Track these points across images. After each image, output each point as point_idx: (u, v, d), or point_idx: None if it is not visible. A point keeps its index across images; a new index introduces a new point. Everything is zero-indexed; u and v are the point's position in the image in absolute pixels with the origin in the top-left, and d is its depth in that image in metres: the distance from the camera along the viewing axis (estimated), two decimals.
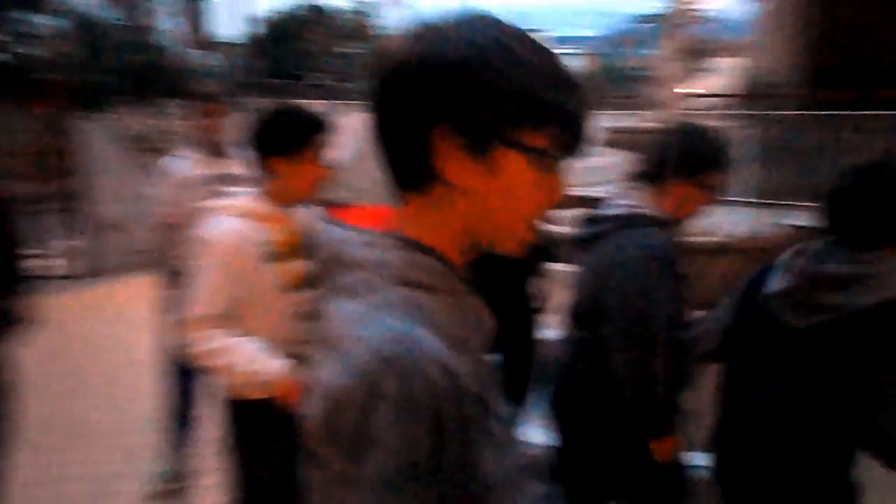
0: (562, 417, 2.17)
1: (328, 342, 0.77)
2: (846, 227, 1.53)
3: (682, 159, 1.92)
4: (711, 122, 3.93)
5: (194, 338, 1.93)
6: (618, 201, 2.04)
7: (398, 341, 0.71)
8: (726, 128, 5.49)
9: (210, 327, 1.91)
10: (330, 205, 2.29)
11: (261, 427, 2.00)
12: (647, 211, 1.95)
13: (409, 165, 0.79)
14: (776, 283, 1.59)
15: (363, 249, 0.80)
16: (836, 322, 1.46)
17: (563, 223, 3.17)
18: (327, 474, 0.73)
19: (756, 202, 4.94)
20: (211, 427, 2.89)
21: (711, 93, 10.09)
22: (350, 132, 9.31)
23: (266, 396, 1.91)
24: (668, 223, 1.96)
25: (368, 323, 0.74)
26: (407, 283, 0.77)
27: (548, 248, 2.87)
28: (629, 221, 1.95)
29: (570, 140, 0.80)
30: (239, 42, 18.00)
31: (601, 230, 2.00)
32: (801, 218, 6.40)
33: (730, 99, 8.96)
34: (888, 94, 7.97)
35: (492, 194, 0.78)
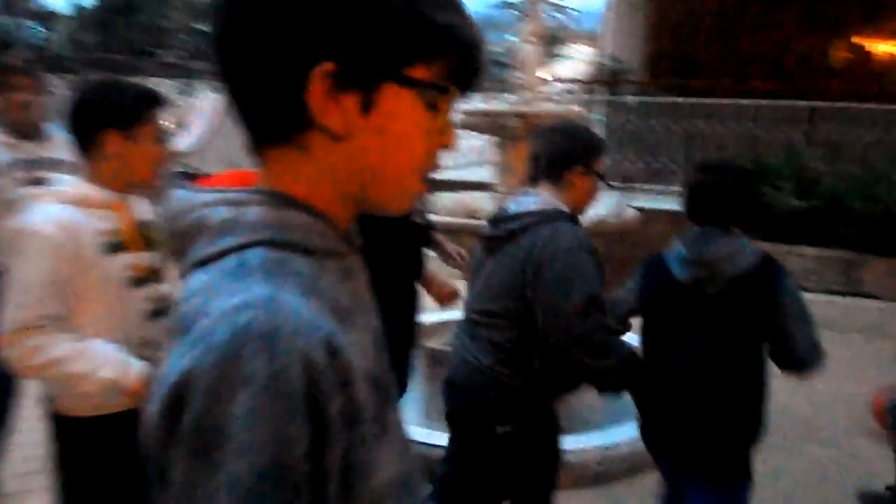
0: (460, 415, 2.12)
1: (176, 326, 0.62)
2: (705, 215, 2.00)
3: (574, 152, 2.03)
4: (568, 108, 4.09)
5: (18, 348, 1.65)
6: (523, 199, 2.06)
7: (264, 310, 0.58)
8: (581, 113, 5.75)
9: (39, 334, 1.65)
10: (189, 176, 2.08)
11: (92, 445, 1.78)
12: (558, 206, 2.01)
13: (278, 113, 0.66)
14: (678, 266, 2.02)
15: (220, 210, 0.67)
16: (728, 287, 1.94)
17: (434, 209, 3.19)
18: (171, 487, 0.57)
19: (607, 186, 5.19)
20: (35, 443, 2.54)
21: (567, 79, 10.52)
22: (206, 111, 8.92)
23: (119, 408, 1.73)
24: (576, 215, 2.06)
25: (223, 292, 0.60)
26: (275, 244, 0.65)
27: (428, 230, 2.77)
28: (547, 217, 1.97)
29: (467, 72, 0.70)
30: (72, 13, 16.58)
31: (516, 227, 1.99)
32: (650, 200, 6.87)
33: (583, 85, 9.41)
34: (723, 82, 8.65)
35: (379, 140, 0.67)
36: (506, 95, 3.57)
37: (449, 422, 2.15)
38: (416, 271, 2.76)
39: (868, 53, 9.93)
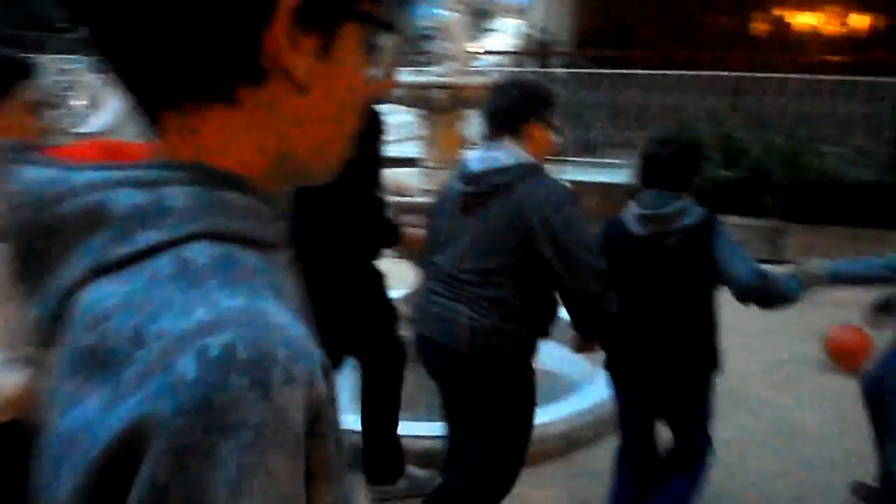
0: (456, 377, 2.13)
1: (85, 359, 0.46)
2: (658, 180, 2.25)
3: (531, 105, 2.08)
4: (496, 80, 3.98)
5: None
6: (489, 154, 2.05)
7: (245, 327, 0.43)
8: None
9: None
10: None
11: None
12: (530, 159, 2.03)
13: (220, 61, 0.51)
14: (636, 223, 2.26)
15: (127, 193, 0.49)
16: (681, 239, 2.20)
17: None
18: None
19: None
20: None
21: (496, 51, 10.44)
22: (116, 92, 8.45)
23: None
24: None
25: (170, 306, 0.45)
26: (217, 236, 0.50)
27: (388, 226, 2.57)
28: (529, 170, 2.00)
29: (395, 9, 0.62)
30: None
31: (501, 182, 1.99)
32: (581, 173, 6.87)
33: (511, 57, 9.35)
34: (651, 53, 8.72)
35: (331, 90, 0.56)
36: (431, 68, 3.43)
37: (446, 387, 2.18)
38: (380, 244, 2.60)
39: (788, 25, 10.17)
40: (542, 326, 2.13)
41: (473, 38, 10.30)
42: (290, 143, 0.56)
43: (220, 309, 0.44)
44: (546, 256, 1.95)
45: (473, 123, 2.82)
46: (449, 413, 2.28)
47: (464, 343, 2.03)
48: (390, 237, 2.52)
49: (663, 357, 2.22)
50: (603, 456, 2.74)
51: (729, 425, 3.42)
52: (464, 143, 3.29)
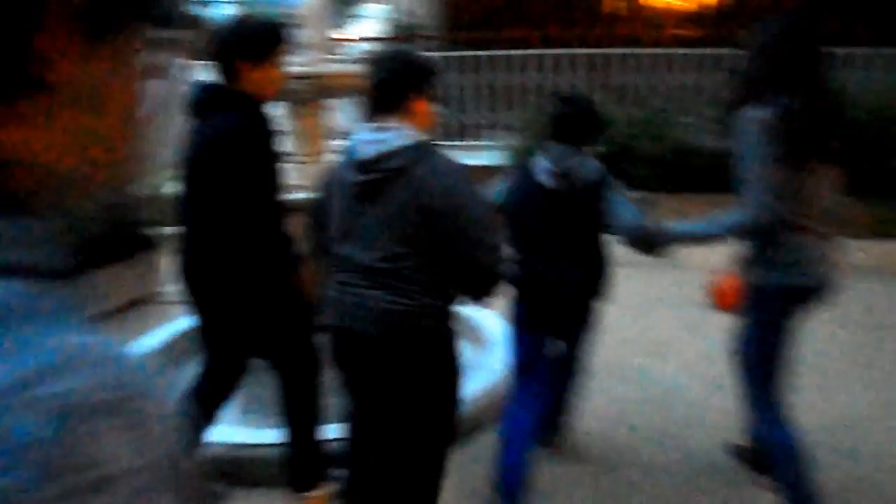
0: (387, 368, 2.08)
1: None
2: (563, 136, 2.60)
3: (414, 79, 2.05)
4: (361, 67, 3.87)
5: None
6: (378, 135, 2.00)
7: (90, 368, 0.37)
8: None
9: None
10: None
11: None
12: (419, 136, 2.01)
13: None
14: (545, 175, 2.60)
15: None
16: (582, 190, 2.58)
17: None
18: None
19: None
20: None
21: (364, 38, 10.27)
22: None
23: None
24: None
25: None
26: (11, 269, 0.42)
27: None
28: (423, 149, 1.99)
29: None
30: None
31: (398, 166, 1.96)
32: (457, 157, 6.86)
33: (380, 43, 9.21)
34: (517, 33, 8.85)
35: (112, 97, 0.50)
36: (291, 58, 3.28)
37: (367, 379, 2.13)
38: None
39: (643, 1, 10.58)
40: (453, 296, 2.16)
41: (339, 25, 10.08)
42: (73, 156, 0.48)
43: (45, 351, 0.37)
44: (449, 234, 1.97)
45: (341, 113, 2.71)
46: (361, 409, 2.23)
47: (386, 327, 2.03)
48: (287, 252, 2.50)
49: (560, 282, 2.61)
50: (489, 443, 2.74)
51: (604, 393, 3.51)
52: (332, 133, 3.16)
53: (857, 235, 4.81)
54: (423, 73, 2.09)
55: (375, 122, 2.05)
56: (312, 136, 3.15)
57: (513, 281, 2.62)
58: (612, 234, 2.61)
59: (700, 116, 6.88)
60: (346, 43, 8.71)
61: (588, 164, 2.61)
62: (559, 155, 2.59)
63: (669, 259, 2.60)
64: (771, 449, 2.50)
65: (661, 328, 4.41)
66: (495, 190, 2.75)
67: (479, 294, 2.13)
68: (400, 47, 2.33)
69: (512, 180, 2.74)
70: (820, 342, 3.80)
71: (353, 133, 2.14)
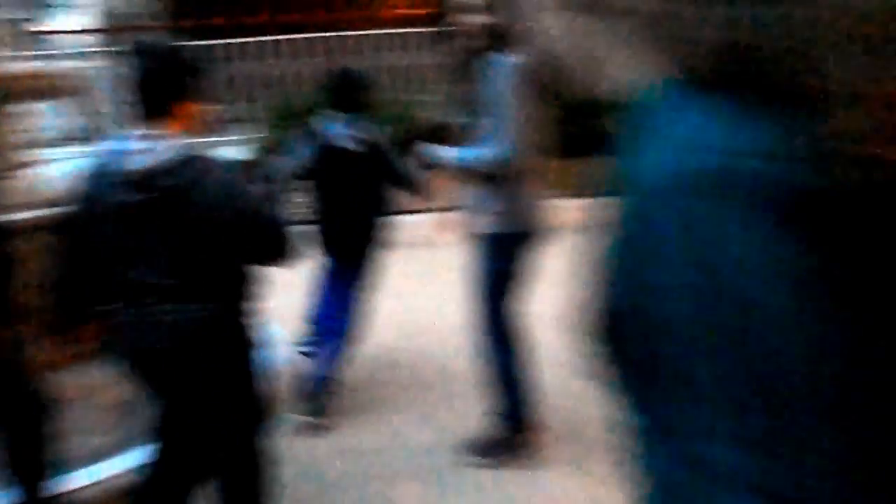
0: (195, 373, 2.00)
1: None
2: (347, 106, 3.09)
3: (178, 79, 1.88)
4: (73, 62, 3.40)
5: None
6: (146, 147, 1.80)
7: None
8: (92, 66, 4.97)
9: None
10: None
11: None
12: (187, 143, 1.85)
13: None
14: (344, 140, 3.05)
15: None
16: (372, 150, 3.11)
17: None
18: None
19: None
20: None
21: (70, 30, 9.19)
22: None
23: None
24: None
25: None
26: None
27: None
28: (197, 161, 1.82)
29: None
30: None
31: (173, 184, 1.79)
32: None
33: (93, 35, 8.30)
34: (252, 20, 8.47)
35: None
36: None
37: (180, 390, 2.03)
38: None
39: None
40: (250, 302, 2.12)
41: (38, 17, 8.92)
42: None
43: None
44: (240, 240, 1.90)
45: (39, 119, 2.31)
46: (172, 421, 2.15)
47: (183, 340, 1.93)
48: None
49: (357, 229, 3.18)
50: None
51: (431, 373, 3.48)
52: (30, 142, 2.71)
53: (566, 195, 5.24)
54: (189, 72, 1.93)
55: (137, 127, 1.85)
56: (8, 142, 2.69)
57: (321, 233, 3.12)
58: (397, 183, 3.17)
59: (435, 92, 7.09)
60: (47, 36, 7.73)
61: (373, 129, 3.11)
62: (351, 122, 3.05)
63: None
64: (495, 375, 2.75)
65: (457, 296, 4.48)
66: (285, 161, 3.15)
67: (276, 257, 2.08)
68: (156, 40, 2.05)
69: (306, 149, 3.11)
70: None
71: (104, 140, 1.91)
